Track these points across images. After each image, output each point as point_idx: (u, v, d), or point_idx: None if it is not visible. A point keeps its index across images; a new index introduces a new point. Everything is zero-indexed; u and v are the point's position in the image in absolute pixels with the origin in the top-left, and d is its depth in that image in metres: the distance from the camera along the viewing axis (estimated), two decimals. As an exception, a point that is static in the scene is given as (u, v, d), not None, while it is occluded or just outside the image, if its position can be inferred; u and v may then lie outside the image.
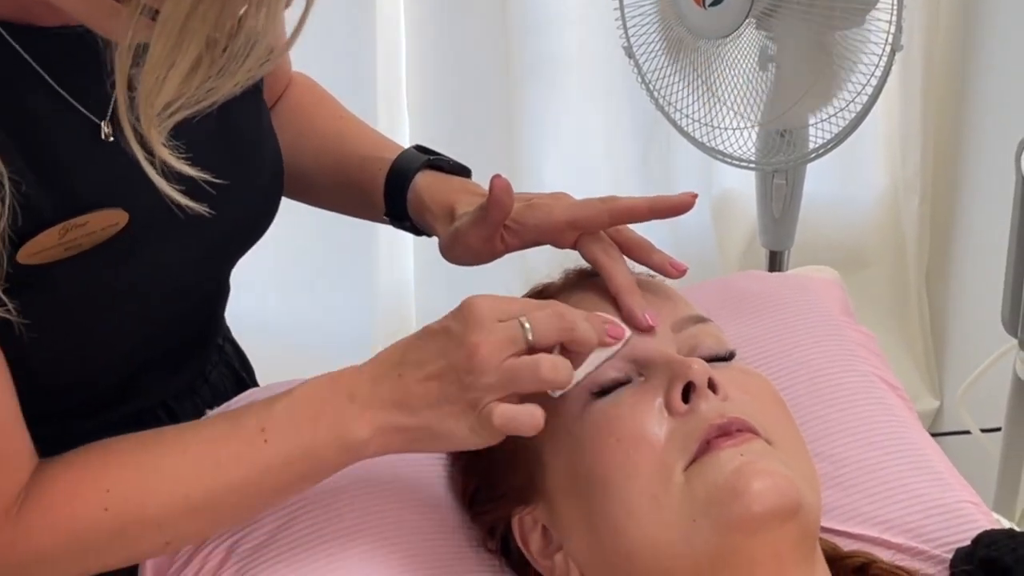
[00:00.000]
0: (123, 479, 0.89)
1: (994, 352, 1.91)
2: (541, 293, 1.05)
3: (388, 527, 1.01)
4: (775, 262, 2.10)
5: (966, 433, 2.14)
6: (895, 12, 1.70)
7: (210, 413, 1.14)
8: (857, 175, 2.47)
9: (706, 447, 0.87)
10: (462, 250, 1.07)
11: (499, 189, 1.00)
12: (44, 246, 0.86)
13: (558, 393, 0.91)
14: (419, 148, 1.17)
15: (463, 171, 1.15)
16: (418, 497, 1.03)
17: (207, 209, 0.85)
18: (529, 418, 0.87)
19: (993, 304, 1.88)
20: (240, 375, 1.26)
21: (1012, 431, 1.84)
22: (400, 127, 2.27)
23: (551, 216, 1.02)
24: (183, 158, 0.79)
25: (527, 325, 0.87)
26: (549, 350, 0.88)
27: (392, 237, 2.30)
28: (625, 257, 1.02)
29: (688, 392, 0.90)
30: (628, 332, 0.92)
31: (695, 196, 1.00)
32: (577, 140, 2.35)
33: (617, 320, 0.93)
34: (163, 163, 0.78)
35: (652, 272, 1.03)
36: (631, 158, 2.38)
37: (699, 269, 2.52)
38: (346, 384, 0.90)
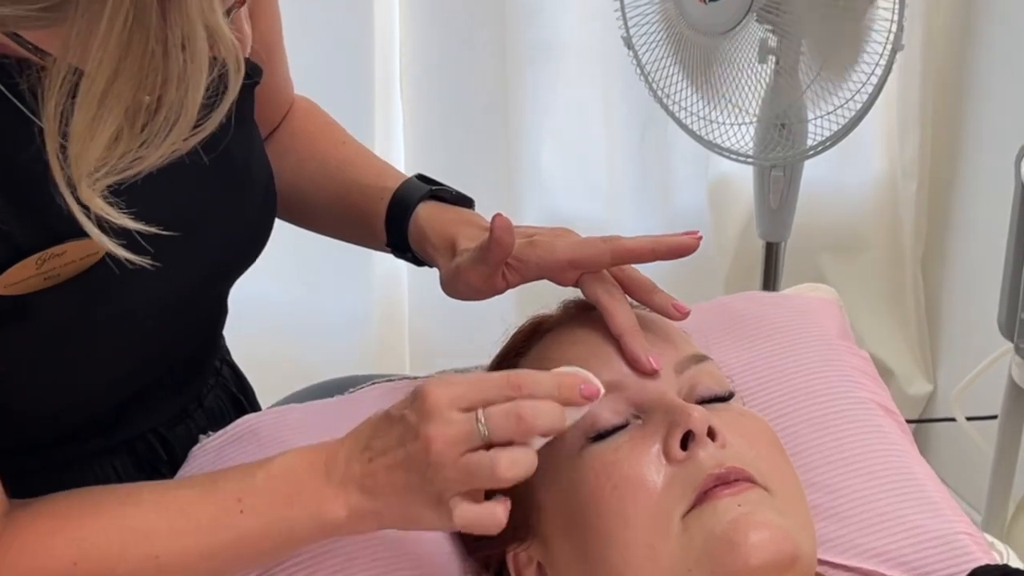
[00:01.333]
0: (95, 533, 0.88)
1: (989, 342, 1.92)
2: (539, 326, 1.04)
3: (384, 559, 1.01)
4: (772, 252, 2.10)
5: (953, 420, 2.16)
6: (896, 11, 1.69)
7: (203, 439, 1.14)
8: (855, 158, 2.46)
9: (704, 496, 0.87)
10: (463, 287, 1.06)
11: (500, 229, 0.99)
12: (22, 276, 0.85)
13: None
14: (421, 178, 1.15)
15: (466, 201, 1.14)
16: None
17: (150, 262, 0.83)
18: (491, 519, 0.86)
19: (988, 291, 1.88)
20: (238, 399, 1.25)
21: (1006, 430, 1.85)
22: (394, 113, 2.25)
23: (553, 255, 1.01)
24: (127, 213, 0.77)
25: (482, 422, 0.84)
26: None
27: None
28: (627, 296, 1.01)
29: (687, 439, 0.89)
30: (602, 391, 0.88)
31: (699, 238, 0.99)
32: (574, 125, 2.33)
33: (592, 379, 0.89)
34: (101, 218, 0.77)
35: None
36: (628, 143, 2.36)
37: (695, 254, 2.51)
38: (323, 461, 0.89)
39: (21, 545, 0.87)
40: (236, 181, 1.02)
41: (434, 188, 1.13)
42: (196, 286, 1.01)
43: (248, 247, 1.06)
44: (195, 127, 0.74)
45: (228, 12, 0.73)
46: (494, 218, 0.99)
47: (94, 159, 0.72)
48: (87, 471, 1.07)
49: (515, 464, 0.84)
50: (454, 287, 1.07)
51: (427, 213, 1.12)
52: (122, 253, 0.79)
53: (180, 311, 1.01)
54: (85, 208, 0.75)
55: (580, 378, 0.88)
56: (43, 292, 0.87)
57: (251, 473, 0.91)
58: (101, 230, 0.76)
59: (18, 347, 0.86)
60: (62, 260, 0.87)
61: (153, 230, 0.80)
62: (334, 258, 2.20)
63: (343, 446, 0.90)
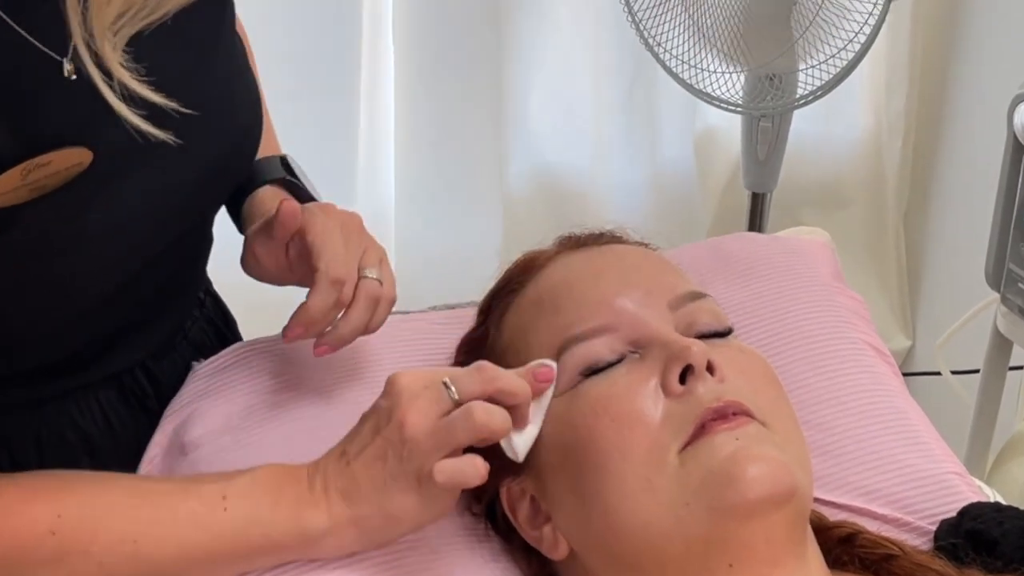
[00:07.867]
0: (76, 508, 0.87)
1: (969, 296, 1.91)
2: (532, 262, 1.04)
3: None
4: (757, 203, 2.10)
5: (937, 374, 2.16)
6: (892, -39, 1.69)
7: (196, 366, 1.13)
8: (842, 113, 2.46)
9: (701, 431, 0.87)
10: (251, 258, 1.06)
11: (285, 214, 0.99)
12: (7, 187, 0.83)
13: (521, 457, 0.90)
14: (285, 164, 1.15)
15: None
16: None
17: (172, 138, 0.82)
18: (472, 468, 0.86)
19: (969, 249, 1.87)
20: (223, 332, 1.23)
21: (988, 380, 1.85)
22: (384, 62, 2.23)
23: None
24: (144, 81, 0.77)
25: (450, 384, 0.87)
26: None
27: (371, 161, 2.29)
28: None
29: (685, 374, 0.89)
30: (554, 369, 0.92)
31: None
32: (563, 74, 2.32)
33: (546, 360, 0.92)
34: (124, 88, 0.76)
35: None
36: (616, 92, 2.35)
37: (680, 205, 2.52)
38: (304, 474, 0.91)
39: (1, 507, 0.86)
40: (220, 87, 1.00)
41: (289, 179, 1.13)
42: (182, 197, 0.98)
43: (232, 158, 1.04)
44: None
45: None
46: (281, 203, 1.01)
47: (119, 2, 0.71)
48: (70, 403, 1.06)
49: (490, 412, 0.86)
50: (246, 262, 1.07)
51: (270, 194, 1.11)
52: (146, 127, 0.78)
53: (167, 226, 0.99)
54: (107, 76, 0.74)
55: (538, 362, 0.92)
56: (29, 204, 0.85)
57: (234, 477, 0.91)
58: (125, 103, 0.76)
59: (4, 262, 0.84)
60: (48, 170, 0.85)
61: (173, 105, 0.80)
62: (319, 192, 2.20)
63: (323, 459, 0.92)
